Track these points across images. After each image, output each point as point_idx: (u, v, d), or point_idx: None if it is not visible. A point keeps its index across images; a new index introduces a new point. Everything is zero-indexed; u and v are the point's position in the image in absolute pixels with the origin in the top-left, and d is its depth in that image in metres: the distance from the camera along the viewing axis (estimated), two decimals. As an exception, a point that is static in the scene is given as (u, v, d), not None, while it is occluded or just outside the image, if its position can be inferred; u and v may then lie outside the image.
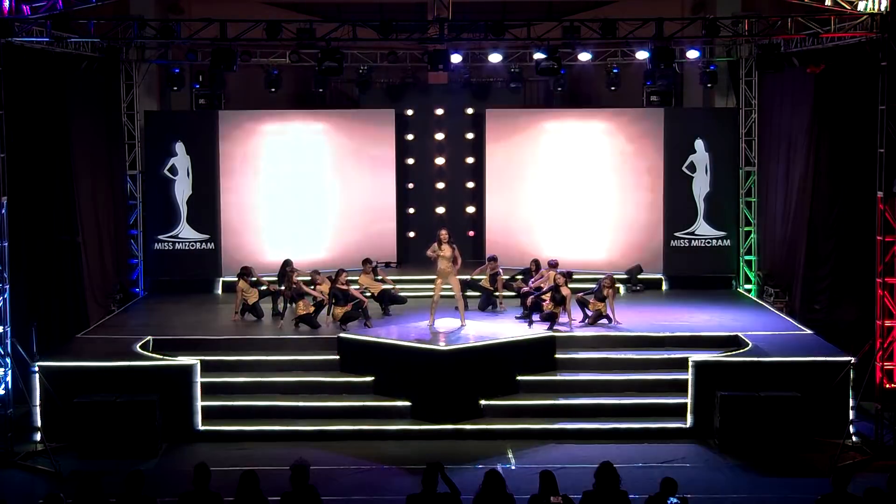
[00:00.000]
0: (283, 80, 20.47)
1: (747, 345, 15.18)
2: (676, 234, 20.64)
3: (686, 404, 14.36)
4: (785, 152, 19.09)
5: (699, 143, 20.54)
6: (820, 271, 17.58)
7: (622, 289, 19.95)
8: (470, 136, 22.22)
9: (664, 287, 20.56)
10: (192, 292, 19.93)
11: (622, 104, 21.36)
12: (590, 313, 16.78)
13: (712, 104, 21.30)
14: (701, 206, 20.58)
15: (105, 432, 13.61)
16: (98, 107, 19.15)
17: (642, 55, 18.15)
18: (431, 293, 16.55)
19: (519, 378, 15.09)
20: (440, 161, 22.21)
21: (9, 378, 13.96)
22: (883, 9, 14.03)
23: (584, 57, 18.48)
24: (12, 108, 14.59)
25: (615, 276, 17.55)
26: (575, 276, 18.13)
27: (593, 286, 17.22)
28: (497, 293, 18.08)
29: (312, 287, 16.69)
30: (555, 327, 16.10)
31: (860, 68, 15.54)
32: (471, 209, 22.13)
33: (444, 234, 16.30)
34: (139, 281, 20.50)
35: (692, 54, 19.26)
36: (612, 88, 20.59)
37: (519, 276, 18.33)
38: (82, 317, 17.31)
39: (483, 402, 14.67)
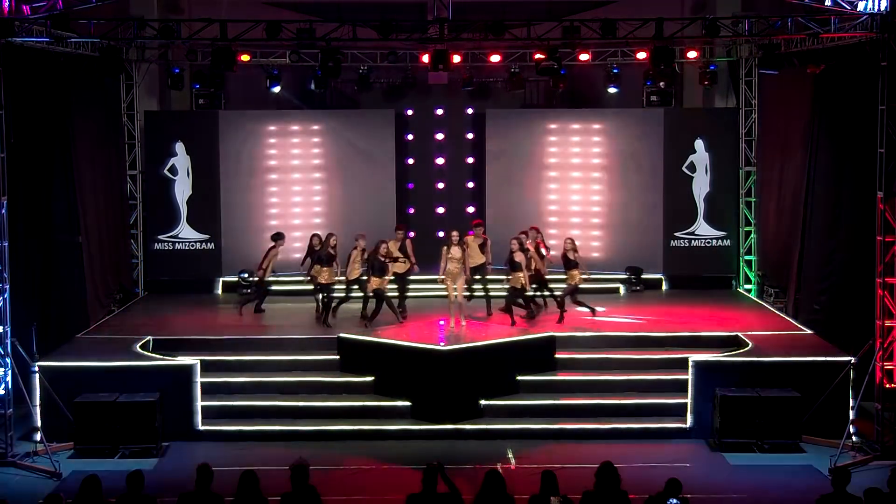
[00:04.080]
0: (283, 80, 20.45)
1: (747, 345, 15.19)
2: (676, 234, 20.64)
3: (686, 404, 14.36)
4: (784, 152, 19.09)
5: (699, 143, 20.54)
6: (820, 271, 17.56)
7: (622, 289, 19.98)
8: (470, 136, 22.22)
9: (664, 287, 20.56)
10: (192, 292, 19.95)
11: (622, 104, 21.37)
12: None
13: (712, 104, 21.31)
14: (701, 206, 20.58)
15: (105, 432, 13.61)
16: (98, 107, 19.12)
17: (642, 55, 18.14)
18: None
19: (519, 378, 15.09)
20: (440, 161, 22.21)
21: (9, 378, 13.96)
22: (883, 9, 14.02)
23: (584, 57, 18.49)
24: (13, 108, 14.59)
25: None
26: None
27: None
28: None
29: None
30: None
31: (860, 68, 15.53)
32: (471, 209, 22.12)
33: (455, 235, 16.23)
34: (139, 281, 20.51)
35: (692, 54, 19.27)
36: (612, 88, 20.61)
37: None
38: (82, 317, 17.29)
39: (483, 402, 14.67)
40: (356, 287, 16.74)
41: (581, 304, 16.80)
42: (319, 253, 16.84)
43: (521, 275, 16.12)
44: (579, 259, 16.73)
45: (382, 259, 16.22)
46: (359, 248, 16.71)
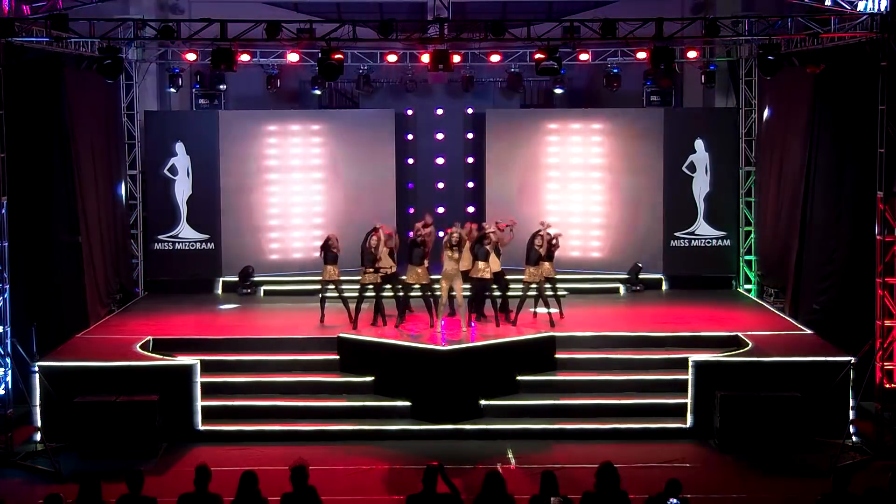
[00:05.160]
0: (283, 80, 20.46)
1: (747, 345, 15.18)
2: (676, 234, 20.65)
3: (686, 404, 14.36)
4: (784, 152, 19.08)
5: (699, 143, 20.55)
6: (820, 271, 17.54)
7: (622, 289, 19.98)
8: (470, 136, 22.23)
9: (664, 287, 20.56)
10: (192, 292, 19.94)
11: (622, 104, 21.36)
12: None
13: (712, 104, 21.31)
14: (701, 206, 20.59)
15: (105, 432, 13.61)
16: (98, 107, 19.12)
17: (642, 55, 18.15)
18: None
19: (519, 378, 15.09)
20: (440, 161, 22.21)
21: (9, 378, 13.96)
22: (883, 9, 14.03)
23: (584, 57, 18.50)
24: (12, 108, 14.58)
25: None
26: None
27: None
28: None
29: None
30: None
31: (860, 68, 15.53)
32: (471, 209, 22.12)
33: (455, 236, 16.15)
34: (139, 281, 20.51)
35: (692, 54, 19.27)
36: (612, 87, 20.61)
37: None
38: (82, 317, 17.28)
39: (483, 402, 14.67)
40: (388, 286, 16.59)
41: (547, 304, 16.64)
42: (363, 256, 16.51)
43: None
44: (550, 252, 16.59)
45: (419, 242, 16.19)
46: (392, 243, 16.53)
